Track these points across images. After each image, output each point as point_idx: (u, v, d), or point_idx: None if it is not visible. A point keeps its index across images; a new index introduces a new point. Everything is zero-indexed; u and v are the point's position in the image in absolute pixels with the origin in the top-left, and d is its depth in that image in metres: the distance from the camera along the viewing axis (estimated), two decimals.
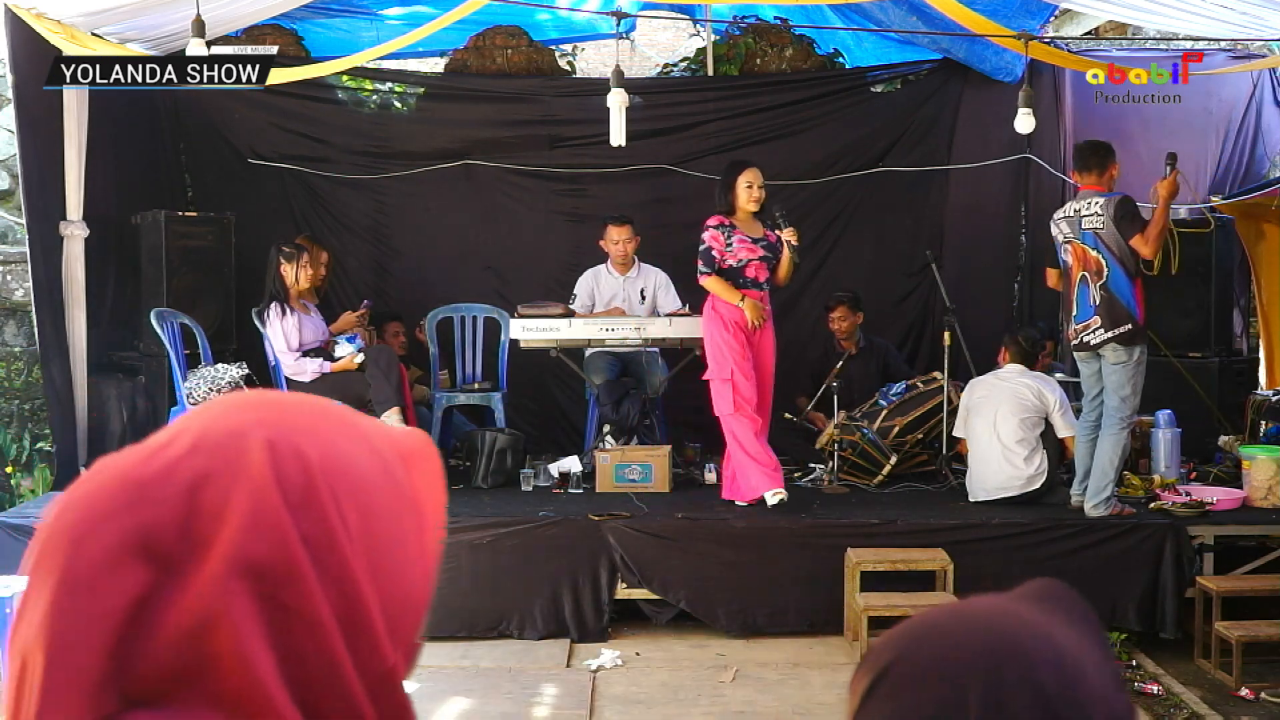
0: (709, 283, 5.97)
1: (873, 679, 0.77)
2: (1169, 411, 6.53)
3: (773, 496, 5.76)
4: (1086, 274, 5.64)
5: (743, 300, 5.90)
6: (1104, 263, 5.60)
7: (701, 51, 8.29)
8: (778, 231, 5.95)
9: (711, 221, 6.00)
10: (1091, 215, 5.65)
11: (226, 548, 0.65)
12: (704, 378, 5.99)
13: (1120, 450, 5.71)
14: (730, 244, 5.92)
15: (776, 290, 6.25)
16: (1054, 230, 5.86)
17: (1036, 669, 0.73)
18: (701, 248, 5.98)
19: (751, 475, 5.84)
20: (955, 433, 6.36)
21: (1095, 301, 5.61)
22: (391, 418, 6.29)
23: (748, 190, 5.98)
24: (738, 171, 6.03)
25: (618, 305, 7.07)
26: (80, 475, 0.71)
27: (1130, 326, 5.58)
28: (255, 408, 0.72)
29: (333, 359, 6.48)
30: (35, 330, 6.43)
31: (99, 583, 0.65)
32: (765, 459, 5.85)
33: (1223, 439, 6.84)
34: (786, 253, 5.94)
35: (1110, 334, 5.58)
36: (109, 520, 0.66)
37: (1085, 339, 5.68)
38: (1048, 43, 7.15)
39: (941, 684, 0.74)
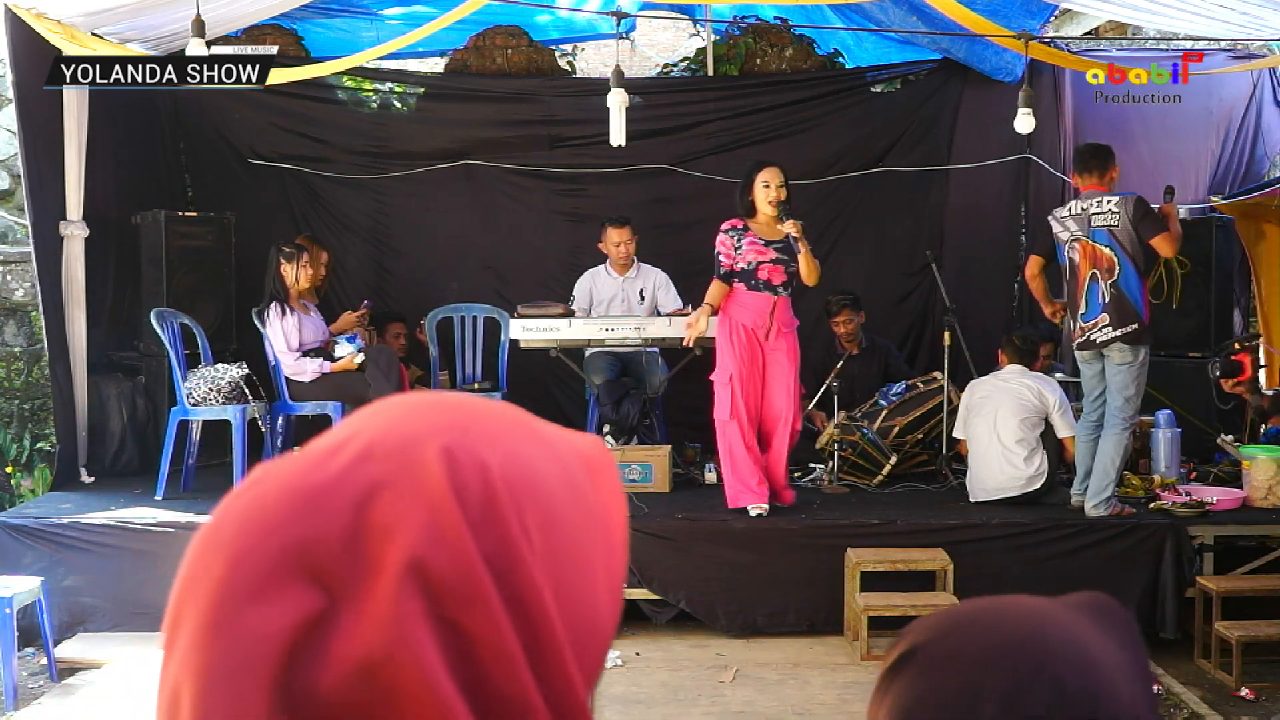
0: (712, 286, 5.91)
1: (899, 660, 0.77)
2: (1169, 411, 6.53)
3: (754, 509, 5.77)
4: (1097, 271, 5.62)
5: (704, 308, 5.90)
6: (1116, 261, 5.60)
7: (701, 51, 8.30)
8: (780, 226, 5.81)
9: (725, 225, 5.90)
10: (1104, 213, 5.64)
11: (401, 568, 0.59)
12: (710, 377, 5.97)
13: (1122, 450, 5.71)
14: (740, 247, 5.82)
15: (803, 290, 6.11)
16: (1056, 228, 5.83)
17: (1058, 667, 0.72)
18: (715, 253, 5.94)
19: (734, 485, 5.84)
20: (955, 434, 6.36)
21: (1105, 299, 5.61)
22: None
23: (765, 190, 5.82)
24: (756, 171, 5.89)
25: (617, 307, 7.07)
26: (237, 484, 0.66)
27: (1137, 326, 5.58)
28: (431, 410, 0.66)
29: (333, 359, 6.48)
30: (36, 330, 6.44)
31: (259, 605, 0.59)
32: (749, 473, 5.79)
33: (1221, 438, 6.84)
34: (804, 251, 5.78)
35: (1118, 332, 5.58)
36: (270, 535, 0.61)
37: (1092, 337, 5.67)
38: (1048, 43, 7.15)
39: (964, 670, 0.74)
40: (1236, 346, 5.10)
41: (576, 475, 0.67)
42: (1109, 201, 5.64)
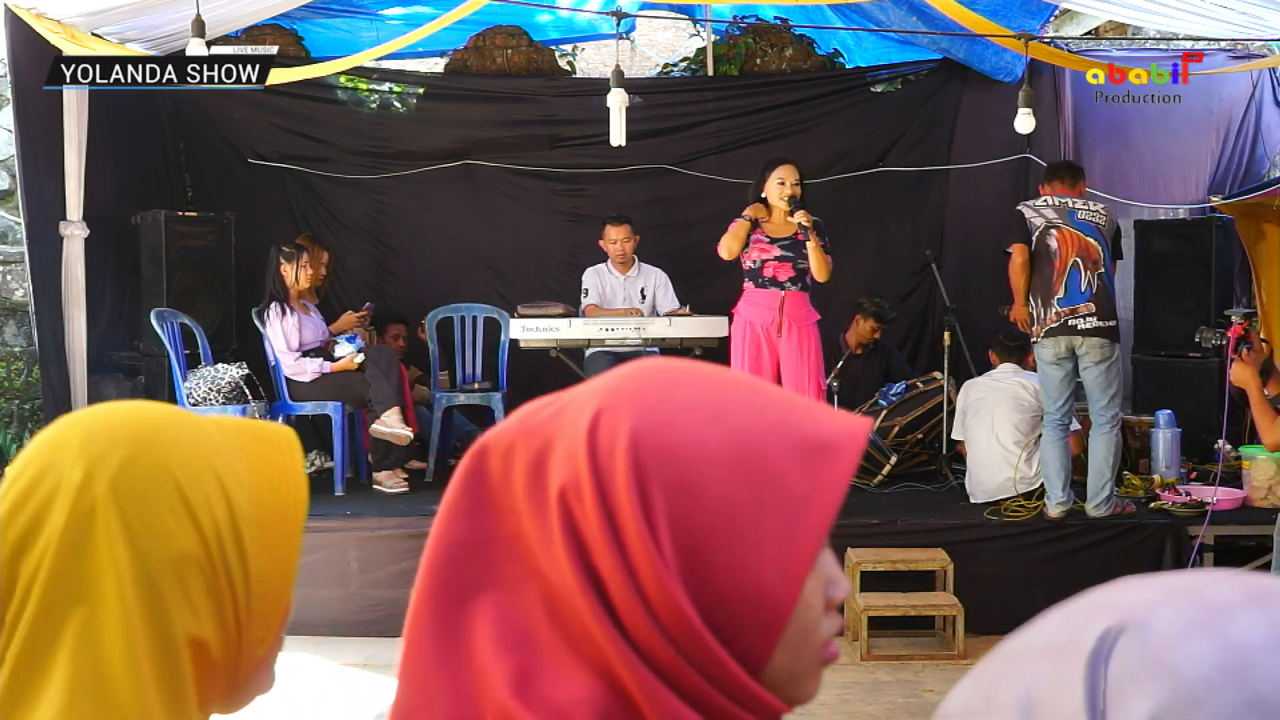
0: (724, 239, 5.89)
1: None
2: (1169, 411, 6.53)
3: None
4: (1081, 260, 5.60)
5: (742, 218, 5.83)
6: (1102, 254, 5.61)
7: (701, 51, 8.30)
8: (790, 219, 5.80)
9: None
10: (1090, 210, 5.67)
11: (557, 511, 0.69)
12: None
13: (1115, 449, 5.67)
14: (746, 244, 5.84)
15: (819, 288, 6.08)
16: (1029, 214, 5.76)
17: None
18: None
19: None
20: (954, 435, 6.36)
21: (1092, 288, 5.58)
22: (391, 418, 6.30)
23: (779, 187, 5.82)
24: (770, 169, 5.90)
25: (619, 304, 7.07)
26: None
27: (1115, 322, 5.63)
28: (625, 378, 0.73)
29: (333, 359, 6.48)
30: (34, 330, 6.43)
31: (465, 517, 0.72)
32: None
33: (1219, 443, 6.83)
34: (811, 243, 5.75)
35: (1103, 323, 5.57)
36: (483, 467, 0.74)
37: (1072, 322, 5.57)
38: (1048, 43, 7.15)
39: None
40: (1235, 319, 5.07)
41: (765, 452, 0.69)
42: (1093, 203, 5.69)
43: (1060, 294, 5.61)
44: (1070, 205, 5.67)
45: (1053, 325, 5.62)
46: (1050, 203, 5.73)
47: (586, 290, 7.08)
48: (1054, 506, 5.73)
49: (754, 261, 5.84)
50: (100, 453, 0.84)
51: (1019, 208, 5.91)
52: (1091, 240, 5.61)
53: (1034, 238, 5.72)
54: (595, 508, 0.68)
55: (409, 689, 0.71)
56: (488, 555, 0.71)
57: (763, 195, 5.87)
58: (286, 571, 0.90)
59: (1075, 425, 6.08)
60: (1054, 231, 5.66)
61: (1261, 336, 5.23)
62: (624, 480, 0.68)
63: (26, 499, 0.84)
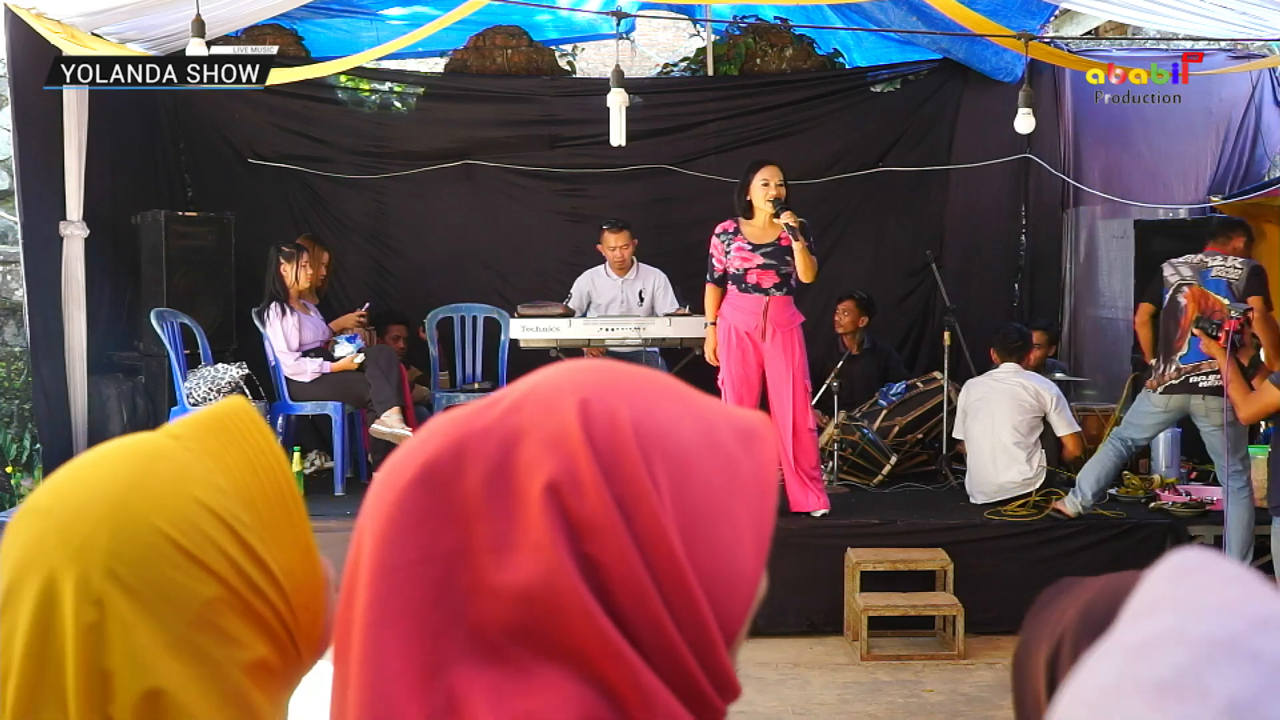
0: (705, 292, 5.95)
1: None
2: None
3: None
4: (1248, 322, 5.36)
5: (708, 326, 5.90)
6: (1229, 309, 5.37)
7: (701, 51, 8.30)
8: (776, 220, 5.74)
9: (717, 228, 5.89)
10: (1223, 266, 5.48)
11: (544, 504, 0.67)
12: (720, 383, 5.95)
13: (1252, 513, 5.41)
14: (729, 251, 5.82)
15: (804, 290, 6.08)
16: (1168, 272, 5.60)
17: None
18: (709, 253, 5.95)
19: None
20: (954, 434, 6.36)
21: None
22: (391, 418, 6.30)
23: (763, 188, 5.74)
24: (754, 170, 5.83)
25: (616, 308, 7.07)
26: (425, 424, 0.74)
27: None
28: (582, 372, 0.73)
29: (333, 359, 6.48)
30: (28, 330, 6.43)
31: (414, 533, 0.68)
32: None
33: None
34: (797, 245, 5.69)
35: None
36: (427, 477, 0.70)
37: (1194, 380, 5.41)
38: (1048, 43, 7.15)
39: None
40: (1230, 313, 5.08)
41: (723, 439, 0.71)
42: (1234, 259, 5.50)
43: (1183, 350, 5.44)
44: (1207, 263, 5.51)
45: (1173, 382, 5.47)
46: (1190, 260, 5.58)
47: (570, 295, 7.09)
48: (1072, 504, 5.70)
49: (737, 269, 5.82)
50: (83, 543, 0.81)
51: (1162, 265, 5.72)
52: (1221, 298, 5.40)
53: (1167, 295, 5.57)
54: (600, 493, 0.66)
55: (375, 716, 0.68)
56: (435, 573, 0.68)
57: (748, 198, 5.84)
58: (307, 551, 0.89)
59: (1076, 426, 6.08)
60: (1184, 289, 5.49)
61: (1253, 333, 5.25)
62: (633, 463, 0.67)
63: (18, 616, 0.81)
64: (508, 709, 0.66)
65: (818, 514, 5.75)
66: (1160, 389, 5.51)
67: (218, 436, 0.88)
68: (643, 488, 0.67)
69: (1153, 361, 5.64)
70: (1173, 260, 5.68)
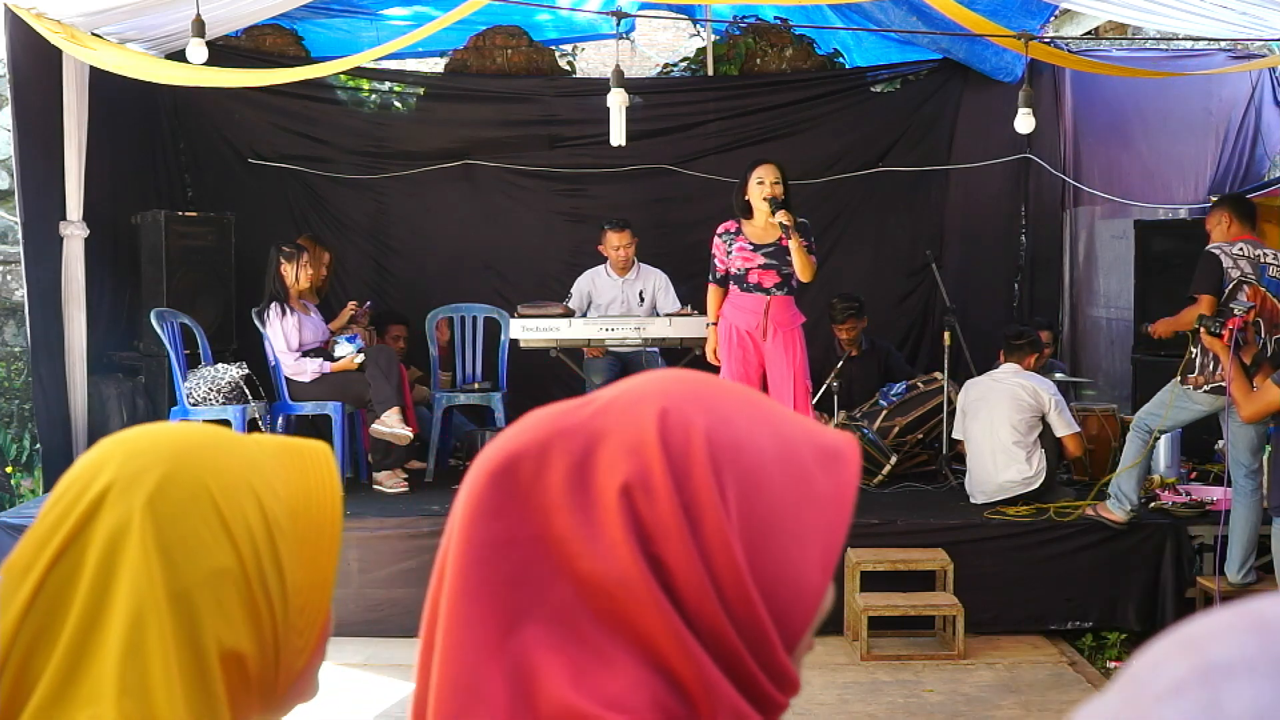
0: (708, 291, 5.97)
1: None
2: None
3: None
4: (1263, 321, 5.25)
5: (709, 326, 5.92)
6: None
7: (701, 51, 8.30)
8: (772, 219, 5.73)
9: (719, 229, 5.89)
10: (1278, 265, 5.32)
11: (618, 503, 0.71)
12: None
13: (1259, 514, 5.33)
14: (730, 251, 5.82)
15: (803, 289, 6.07)
16: (1227, 263, 5.33)
17: None
18: (710, 253, 5.95)
19: None
20: (954, 435, 6.36)
21: (1266, 350, 5.24)
22: (391, 418, 6.30)
23: (759, 186, 5.74)
24: (751, 169, 5.83)
25: (617, 308, 7.07)
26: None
27: None
28: (669, 381, 0.76)
29: (333, 359, 6.48)
30: (28, 330, 6.43)
31: (499, 517, 0.73)
32: None
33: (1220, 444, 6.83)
34: (793, 244, 5.68)
35: None
36: (515, 467, 0.74)
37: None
38: (1048, 43, 7.15)
39: None
40: (1235, 311, 5.05)
41: (801, 455, 0.75)
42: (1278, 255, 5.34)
43: None
44: (1263, 259, 5.32)
45: (1220, 383, 5.26)
46: (1245, 253, 5.33)
47: (570, 295, 7.09)
48: (1119, 509, 5.56)
49: (738, 269, 5.82)
50: (139, 470, 0.87)
51: (1214, 251, 5.39)
52: (1277, 301, 5.29)
53: (1227, 289, 5.31)
54: (670, 499, 0.70)
55: (454, 689, 0.72)
56: (518, 555, 0.72)
57: (746, 198, 5.84)
58: (324, 584, 0.92)
59: (1076, 427, 6.08)
60: (1245, 288, 5.29)
61: (1257, 333, 5.24)
62: (703, 473, 0.71)
63: (67, 514, 0.87)
64: (588, 687, 0.70)
65: None
66: (1208, 388, 5.34)
67: (292, 456, 0.94)
68: (710, 497, 0.71)
69: (1193, 356, 5.40)
70: (1225, 249, 5.38)
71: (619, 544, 0.70)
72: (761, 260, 5.79)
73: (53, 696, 0.83)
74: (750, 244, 5.81)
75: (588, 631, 0.71)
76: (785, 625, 0.73)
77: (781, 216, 5.66)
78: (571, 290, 7.16)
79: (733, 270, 5.84)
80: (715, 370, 5.93)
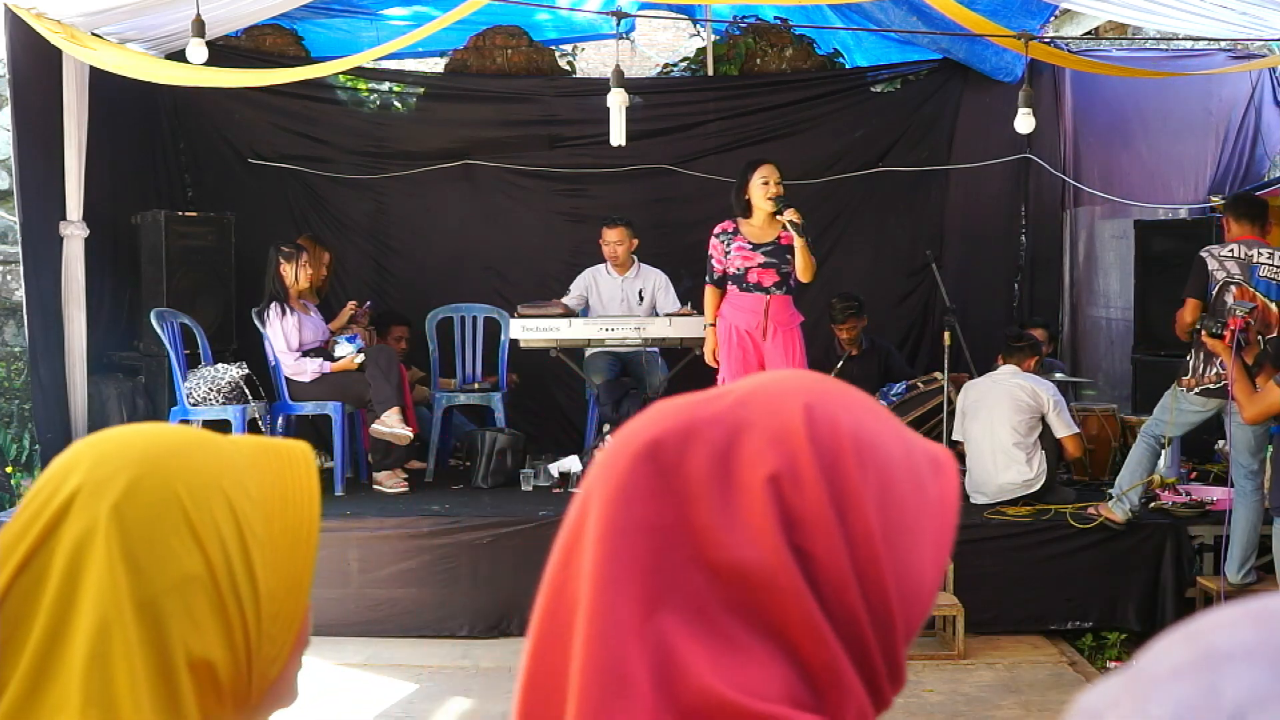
0: (705, 293, 5.95)
1: None
2: None
3: None
4: (1253, 322, 5.20)
5: (708, 327, 5.88)
6: (1278, 313, 5.32)
7: (701, 51, 8.30)
8: (778, 218, 5.75)
9: (716, 229, 5.89)
10: (1272, 266, 5.31)
11: (764, 493, 0.71)
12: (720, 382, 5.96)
13: (1260, 515, 5.32)
14: (729, 251, 5.82)
15: (803, 289, 6.08)
16: (1213, 265, 5.35)
17: None
18: (707, 255, 5.94)
19: None
20: (954, 436, 6.35)
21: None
22: (391, 418, 6.30)
23: (763, 187, 5.75)
24: (752, 170, 5.83)
25: (616, 307, 7.08)
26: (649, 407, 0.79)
27: None
28: (808, 379, 0.78)
29: (333, 359, 6.48)
30: (26, 330, 6.43)
31: (640, 503, 0.73)
32: None
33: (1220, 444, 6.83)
34: (796, 242, 5.70)
35: None
36: (656, 452, 0.74)
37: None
38: (1048, 43, 7.15)
39: None
40: (1236, 313, 5.04)
41: (919, 461, 0.77)
42: (1278, 254, 5.32)
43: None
44: (1255, 259, 5.32)
45: (1210, 386, 5.31)
46: (1235, 254, 5.34)
47: (569, 291, 7.10)
48: (1120, 510, 5.57)
49: (738, 268, 5.82)
50: (107, 475, 0.86)
51: (1202, 254, 5.43)
52: (1270, 302, 5.28)
53: (1213, 292, 5.33)
54: (818, 491, 0.71)
55: (600, 674, 0.71)
56: (656, 541, 0.73)
57: (746, 198, 5.83)
58: (299, 590, 0.91)
59: (1075, 428, 6.08)
60: (1232, 289, 5.30)
61: (1259, 333, 5.23)
62: (850, 466, 0.73)
63: (34, 520, 0.86)
64: (726, 675, 0.70)
65: None
66: (1198, 390, 5.37)
67: (270, 458, 0.92)
68: (856, 490, 0.72)
69: (1189, 360, 5.44)
70: (1213, 251, 5.42)
71: (763, 533, 0.71)
72: (761, 259, 5.79)
73: (17, 707, 0.82)
74: (749, 243, 5.81)
75: (720, 620, 0.71)
76: (907, 621, 0.74)
77: (791, 215, 5.68)
78: (570, 288, 7.17)
79: (732, 270, 5.83)
80: (714, 371, 5.93)
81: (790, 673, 0.71)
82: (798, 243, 5.69)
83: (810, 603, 0.71)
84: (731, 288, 5.85)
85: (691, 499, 0.72)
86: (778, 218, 5.74)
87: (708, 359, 5.92)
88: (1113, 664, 5.30)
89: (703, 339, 6.10)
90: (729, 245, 5.82)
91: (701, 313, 6.20)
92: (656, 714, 0.70)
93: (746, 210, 5.85)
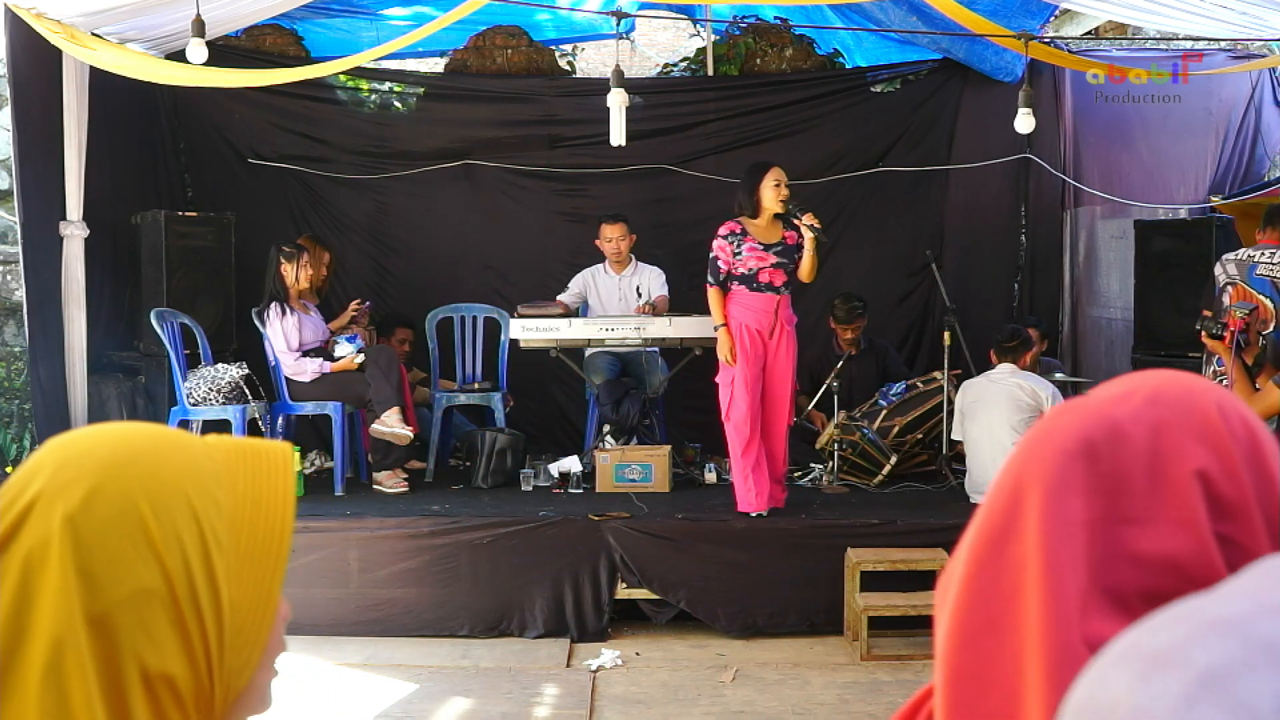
0: (709, 294, 5.89)
1: None
2: None
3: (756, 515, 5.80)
4: (1251, 321, 5.21)
5: (718, 328, 5.82)
6: (1275, 312, 5.35)
7: (701, 51, 8.30)
8: (796, 220, 5.80)
9: (722, 230, 5.87)
10: (1270, 265, 5.37)
11: (1191, 486, 0.77)
12: (715, 379, 5.94)
13: None
14: (740, 252, 5.80)
15: (803, 289, 6.09)
16: (1218, 270, 5.50)
17: None
18: (710, 256, 5.90)
19: (739, 488, 5.85)
20: (953, 435, 6.36)
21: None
22: (391, 418, 6.30)
23: (775, 189, 5.80)
24: (763, 172, 5.85)
25: (615, 305, 7.08)
26: (1056, 409, 0.84)
27: None
28: (1189, 378, 0.84)
29: (333, 359, 6.48)
30: (26, 330, 6.42)
31: (1076, 497, 0.78)
32: (744, 479, 5.78)
33: None
34: (809, 245, 5.77)
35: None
36: (1082, 453, 0.79)
37: (1228, 384, 5.18)
38: (1048, 43, 7.15)
39: None
40: (1235, 314, 5.04)
41: None
42: (1278, 254, 5.36)
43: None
44: (1254, 259, 5.39)
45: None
46: (1239, 257, 5.47)
47: (568, 289, 7.10)
48: None
49: (749, 269, 5.82)
50: (66, 482, 0.83)
51: (1216, 264, 5.58)
52: (1264, 298, 5.31)
53: (1215, 291, 5.46)
54: (1241, 482, 0.77)
55: (1057, 667, 0.75)
56: (1086, 535, 0.77)
57: (755, 199, 5.84)
58: (267, 600, 0.88)
59: None
60: (1229, 289, 5.41)
61: (1259, 331, 5.23)
62: (1267, 459, 0.79)
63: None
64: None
65: (765, 513, 5.78)
66: None
67: (244, 461, 0.90)
68: (1273, 480, 0.79)
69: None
70: (1224, 257, 5.60)
71: (1191, 524, 0.76)
72: (774, 260, 5.82)
73: None
74: (760, 244, 5.82)
75: (1137, 609, 0.74)
76: None
77: (809, 219, 5.74)
78: (569, 284, 7.17)
79: (742, 271, 5.82)
80: (712, 371, 5.93)
81: None
82: (809, 245, 5.73)
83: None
84: (740, 288, 5.84)
85: (1116, 494, 0.78)
86: (797, 220, 5.79)
87: (725, 360, 5.86)
88: None
89: (703, 339, 6.10)
90: (739, 246, 5.81)
91: (696, 311, 6.19)
92: None
93: (755, 211, 5.86)
